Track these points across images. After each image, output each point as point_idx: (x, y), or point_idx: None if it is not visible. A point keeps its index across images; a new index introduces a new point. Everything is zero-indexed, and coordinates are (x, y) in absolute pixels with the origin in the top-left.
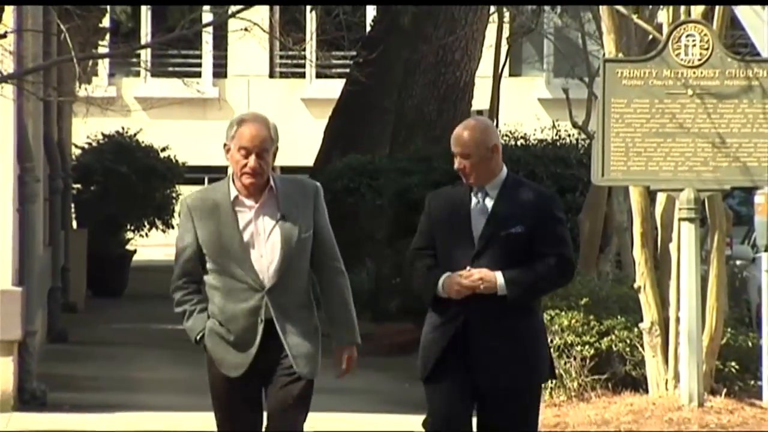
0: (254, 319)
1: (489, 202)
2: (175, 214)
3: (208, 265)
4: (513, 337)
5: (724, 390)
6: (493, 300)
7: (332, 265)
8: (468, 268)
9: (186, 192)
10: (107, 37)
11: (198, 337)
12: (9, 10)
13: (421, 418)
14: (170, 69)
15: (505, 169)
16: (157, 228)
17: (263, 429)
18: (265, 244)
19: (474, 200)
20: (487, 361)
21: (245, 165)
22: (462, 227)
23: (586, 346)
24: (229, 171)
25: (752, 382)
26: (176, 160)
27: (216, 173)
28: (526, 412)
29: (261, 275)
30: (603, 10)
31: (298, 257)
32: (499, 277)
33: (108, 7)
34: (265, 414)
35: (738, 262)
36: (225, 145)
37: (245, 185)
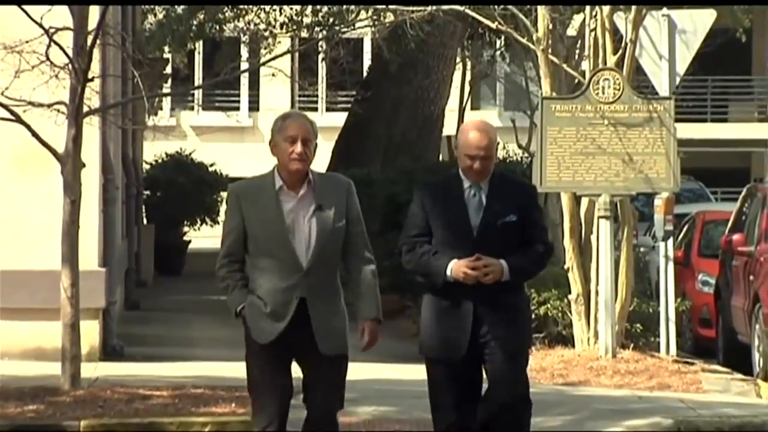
0: (290, 296)
1: (483, 195)
2: (221, 213)
3: (251, 247)
4: (514, 309)
5: (632, 345)
6: (496, 282)
7: (362, 254)
8: (476, 255)
9: None
10: (169, 80)
11: (238, 310)
12: (96, 60)
13: (405, 367)
14: (216, 104)
15: None
16: (206, 224)
17: (306, 400)
18: (305, 230)
19: (468, 193)
20: (495, 333)
21: (292, 152)
22: (460, 218)
23: None
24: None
25: (653, 339)
26: (221, 173)
27: None
28: (524, 371)
29: (300, 258)
30: (541, 60)
31: (332, 244)
32: (504, 265)
33: (170, 57)
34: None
35: (642, 249)
36: (270, 141)
37: (292, 172)
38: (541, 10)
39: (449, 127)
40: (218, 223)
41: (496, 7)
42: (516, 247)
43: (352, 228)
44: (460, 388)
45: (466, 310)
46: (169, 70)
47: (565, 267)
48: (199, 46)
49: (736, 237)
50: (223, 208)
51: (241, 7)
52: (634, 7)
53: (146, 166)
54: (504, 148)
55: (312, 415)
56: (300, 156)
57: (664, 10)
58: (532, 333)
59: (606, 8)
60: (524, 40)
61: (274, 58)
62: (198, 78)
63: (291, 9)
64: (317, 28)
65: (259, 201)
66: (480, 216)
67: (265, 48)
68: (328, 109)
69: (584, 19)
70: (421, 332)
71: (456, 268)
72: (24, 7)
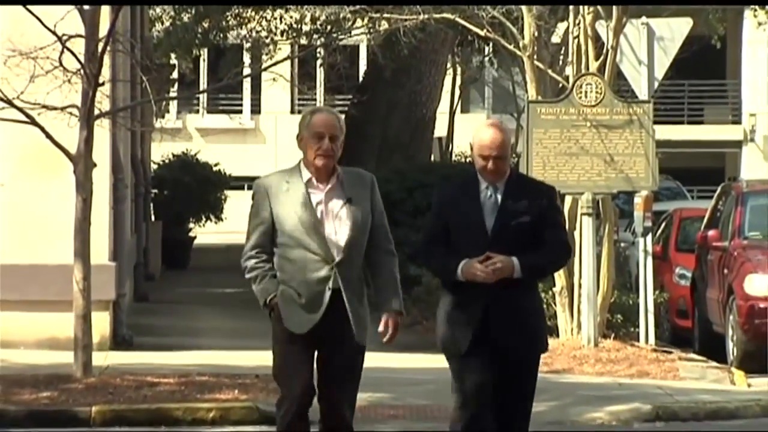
0: (323, 287)
1: (499, 196)
2: (225, 210)
3: (280, 239)
4: (526, 312)
5: (613, 335)
6: (508, 280)
7: (385, 246)
8: (485, 254)
9: (231, 195)
10: (176, 85)
11: (268, 300)
12: (106, 65)
13: (400, 356)
14: (220, 107)
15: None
16: (210, 220)
17: (323, 396)
18: (335, 222)
19: (485, 194)
20: (508, 336)
21: (319, 147)
22: (475, 218)
23: None
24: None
25: (632, 329)
26: (224, 173)
27: (253, 181)
28: (534, 378)
29: (332, 249)
30: (527, 65)
31: (362, 236)
32: (515, 262)
33: (177, 63)
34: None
35: (622, 244)
36: (298, 135)
37: (318, 167)
38: (527, 19)
39: (440, 129)
40: (222, 220)
41: (484, 15)
42: (531, 247)
43: (377, 221)
44: (477, 381)
45: (475, 308)
46: (175, 75)
47: None
48: (204, 52)
49: (711, 233)
50: (226, 205)
51: (244, 15)
52: (615, 16)
53: (154, 166)
54: None
55: (327, 413)
56: (326, 152)
57: (644, 19)
58: (545, 335)
59: (589, 16)
60: (511, 47)
61: (274, 64)
62: (203, 82)
63: (291, 17)
64: (315, 36)
65: (288, 194)
66: (495, 216)
67: (266, 54)
68: None
69: (568, 27)
70: (436, 327)
71: (466, 268)
72: (38, 15)
